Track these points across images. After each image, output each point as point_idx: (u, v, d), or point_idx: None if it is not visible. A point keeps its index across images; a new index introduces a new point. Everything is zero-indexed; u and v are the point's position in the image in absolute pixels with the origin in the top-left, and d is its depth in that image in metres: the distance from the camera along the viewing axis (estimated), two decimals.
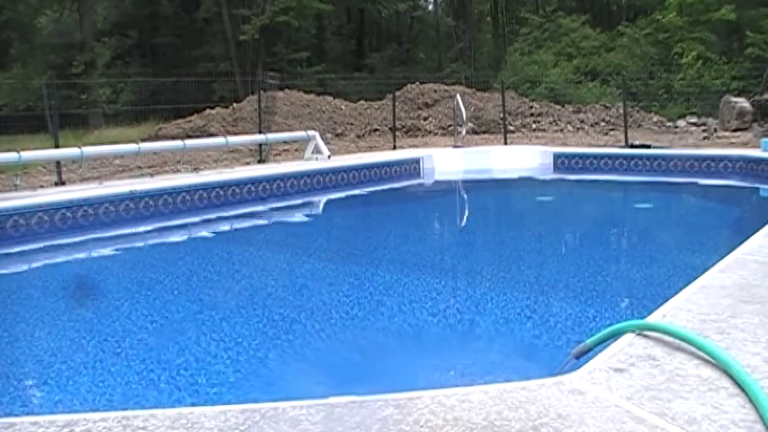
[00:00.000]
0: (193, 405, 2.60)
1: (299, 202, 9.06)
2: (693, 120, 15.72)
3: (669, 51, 19.33)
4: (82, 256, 6.57)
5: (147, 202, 7.65)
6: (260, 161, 11.52)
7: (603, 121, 16.42)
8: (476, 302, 4.57)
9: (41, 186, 8.80)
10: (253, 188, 8.69)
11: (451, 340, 3.81)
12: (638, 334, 2.41)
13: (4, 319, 4.34)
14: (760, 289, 2.92)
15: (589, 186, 10.43)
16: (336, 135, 15.56)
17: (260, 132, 12.08)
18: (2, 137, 13.64)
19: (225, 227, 7.87)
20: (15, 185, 8.39)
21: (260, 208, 8.55)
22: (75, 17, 26.04)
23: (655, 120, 16.28)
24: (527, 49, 23.46)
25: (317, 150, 10.90)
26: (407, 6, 33.97)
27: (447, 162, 11.40)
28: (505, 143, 13.22)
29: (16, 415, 2.63)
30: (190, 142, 10.57)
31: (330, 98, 17.56)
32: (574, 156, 11.07)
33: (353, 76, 25.28)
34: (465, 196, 10.48)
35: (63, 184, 8.92)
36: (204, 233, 7.57)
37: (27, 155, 8.27)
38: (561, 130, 15.93)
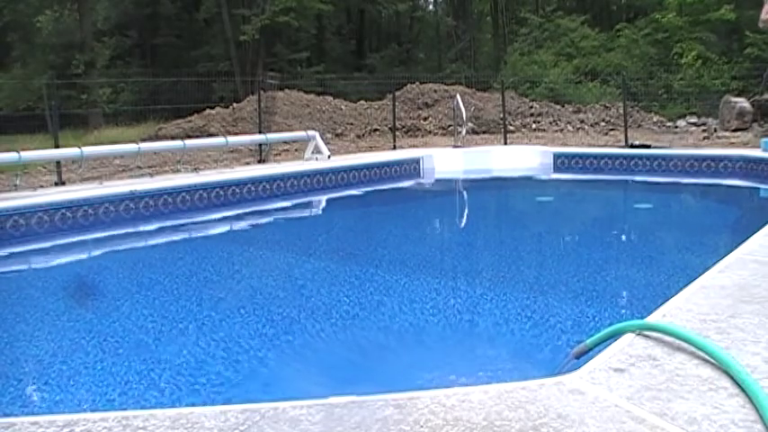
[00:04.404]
0: (193, 405, 2.59)
1: (299, 202, 9.05)
2: (693, 120, 15.72)
3: (669, 51, 19.33)
4: (82, 256, 6.57)
5: (147, 202, 7.65)
6: (260, 161, 11.52)
7: (603, 121, 16.42)
8: (475, 302, 4.56)
9: (41, 186, 8.80)
10: (253, 188, 8.69)
11: (451, 340, 3.81)
12: (638, 334, 2.40)
13: (5, 320, 4.34)
14: (760, 289, 2.91)
15: (589, 186, 10.43)
16: (336, 135, 15.55)
17: (260, 132, 12.08)
18: (2, 137, 13.66)
19: (225, 227, 7.88)
20: (15, 185, 8.39)
21: (260, 208, 8.55)
22: (75, 17, 26.03)
23: (655, 120, 16.28)
24: (527, 49, 23.46)
25: (317, 150, 10.90)
26: (407, 6, 33.97)
27: (447, 162, 11.40)
28: (505, 143, 13.21)
29: (16, 415, 2.63)
30: (190, 142, 10.57)
31: (330, 98, 17.55)
32: (574, 156, 11.07)
33: (353, 76, 25.29)
34: (465, 196, 10.48)
35: (63, 184, 8.92)
36: (204, 233, 7.57)
37: (27, 155, 8.28)
38: (561, 130, 15.93)
